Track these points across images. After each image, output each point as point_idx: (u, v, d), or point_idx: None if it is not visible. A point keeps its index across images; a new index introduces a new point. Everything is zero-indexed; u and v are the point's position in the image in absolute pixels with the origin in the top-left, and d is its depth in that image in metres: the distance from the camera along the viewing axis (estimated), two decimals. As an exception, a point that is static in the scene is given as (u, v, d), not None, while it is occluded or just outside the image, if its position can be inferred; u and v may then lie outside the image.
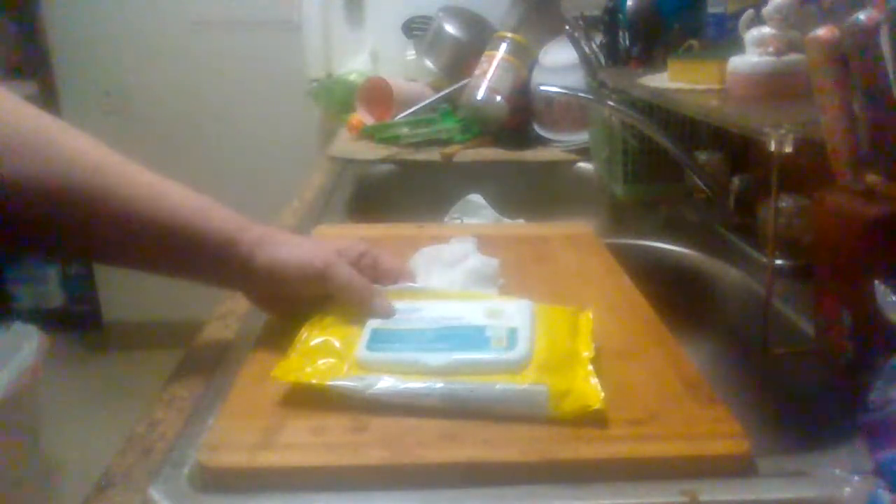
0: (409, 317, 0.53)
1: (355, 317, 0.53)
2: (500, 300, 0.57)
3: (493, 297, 0.59)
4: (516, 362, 0.47)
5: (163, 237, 0.51)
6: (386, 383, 0.46)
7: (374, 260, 0.59)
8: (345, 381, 0.46)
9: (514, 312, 0.52)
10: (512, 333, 0.49)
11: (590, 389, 0.45)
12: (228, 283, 0.56)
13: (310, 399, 0.46)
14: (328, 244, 0.59)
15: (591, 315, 0.54)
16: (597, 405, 0.44)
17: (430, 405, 0.45)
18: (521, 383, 0.45)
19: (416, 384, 0.45)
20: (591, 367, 0.47)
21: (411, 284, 0.59)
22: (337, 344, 0.50)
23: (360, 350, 0.49)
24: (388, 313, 0.54)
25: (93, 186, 0.48)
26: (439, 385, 0.45)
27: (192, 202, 0.52)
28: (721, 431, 0.43)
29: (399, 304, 0.54)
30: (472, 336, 0.49)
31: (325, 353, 0.49)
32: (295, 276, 0.53)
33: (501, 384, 0.45)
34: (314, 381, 0.46)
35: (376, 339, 0.50)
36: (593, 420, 0.43)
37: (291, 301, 0.55)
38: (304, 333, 0.51)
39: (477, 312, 0.52)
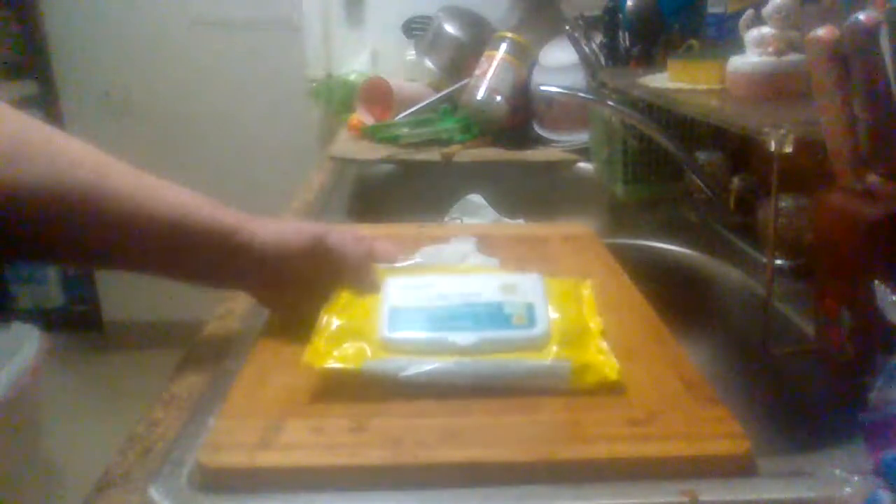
0: (423, 293, 0.53)
1: (367, 291, 0.54)
2: (510, 274, 0.58)
3: (501, 270, 0.60)
4: (538, 338, 0.48)
5: (164, 235, 0.51)
6: (418, 365, 0.46)
7: (370, 246, 0.60)
8: (376, 364, 0.47)
9: (528, 287, 0.54)
10: (530, 310, 0.51)
11: (606, 362, 0.48)
12: (232, 275, 0.56)
13: (310, 399, 0.47)
14: (323, 225, 0.60)
15: (589, 284, 0.57)
16: (614, 377, 0.46)
17: (462, 383, 0.46)
18: (545, 359, 0.47)
19: (447, 364, 0.46)
20: (603, 342, 0.49)
21: (414, 260, 0.60)
22: (358, 324, 0.50)
23: (384, 331, 0.49)
24: (391, 256, 0.57)
25: (93, 187, 0.49)
26: (470, 364, 0.46)
27: (191, 199, 0.53)
28: (721, 431, 0.43)
29: (410, 281, 0.55)
30: (492, 314, 0.50)
31: (348, 335, 0.49)
32: (297, 247, 0.54)
33: (529, 361, 0.47)
34: (349, 367, 0.47)
35: (397, 319, 0.50)
36: (611, 390, 0.46)
37: (295, 287, 0.55)
38: (323, 317, 0.51)
39: (491, 287, 0.53)
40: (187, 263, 0.54)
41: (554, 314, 0.51)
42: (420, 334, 0.49)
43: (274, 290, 0.58)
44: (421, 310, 0.51)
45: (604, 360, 0.48)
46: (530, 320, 0.50)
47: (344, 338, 0.49)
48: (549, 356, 0.47)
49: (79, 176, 0.48)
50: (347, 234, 0.57)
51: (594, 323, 0.52)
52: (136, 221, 0.50)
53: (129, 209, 0.50)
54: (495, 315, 0.50)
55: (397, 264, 0.59)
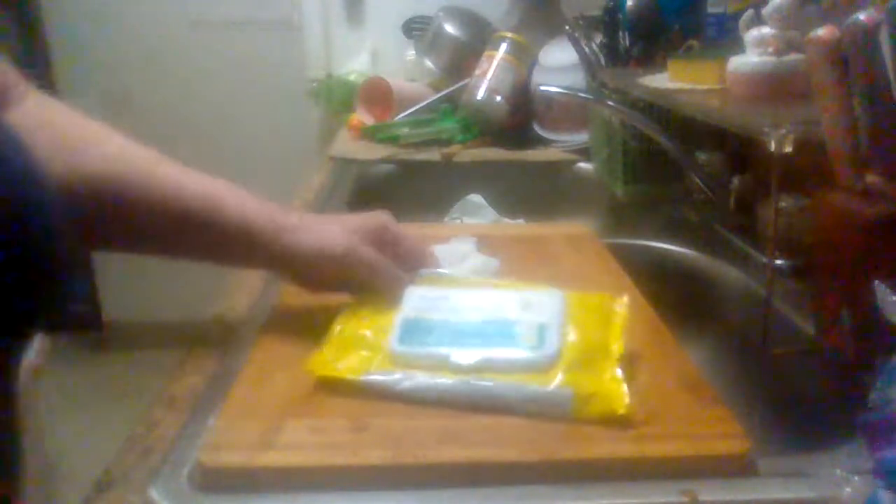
0: (439, 305, 0.53)
1: (386, 303, 0.54)
2: (532, 290, 0.56)
3: (524, 286, 0.58)
4: (544, 361, 0.47)
5: (190, 224, 0.53)
6: (416, 381, 0.46)
7: (395, 237, 0.59)
8: (376, 376, 0.47)
9: (546, 305, 0.52)
10: (541, 330, 0.49)
11: (616, 392, 0.45)
12: (257, 266, 0.59)
13: (310, 399, 0.47)
14: (349, 223, 0.58)
15: (625, 300, 0.53)
16: (621, 410, 0.43)
17: (458, 402, 0.45)
18: (547, 385, 0.45)
19: (445, 381, 0.46)
20: (619, 370, 0.46)
21: (440, 271, 0.59)
22: (369, 336, 0.51)
23: (393, 343, 0.49)
24: (423, 259, 0.59)
25: (142, 177, 0.52)
26: (468, 383, 0.46)
27: (214, 190, 0.55)
28: (721, 431, 0.43)
29: (429, 292, 0.55)
30: (501, 332, 0.49)
31: (358, 345, 0.50)
32: (316, 263, 0.55)
33: (528, 386, 0.45)
34: (349, 377, 0.47)
35: (408, 331, 0.50)
36: (617, 424, 0.43)
37: (323, 280, 0.56)
38: (337, 326, 0.52)
39: (508, 303, 0.52)
40: (209, 252, 0.56)
41: (572, 335, 0.49)
42: (424, 350, 0.49)
43: (300, 279, 0.58)
44: (432, 323, 0.51)
45: (613, 390, 0.45)
46: (539, 341, 0.48)
47: (352, 348, 0.50)
48: (553, 382, 0.45)
49: (117, 167, 0.51)
50: (375, 259, 0.56)
51: (616, 346, 0.49)
52: (175, 214, 0.52)
53: (170, 202, 0.52)
54: (504, 334, 0.49)
55: (431, 272, 0.59)
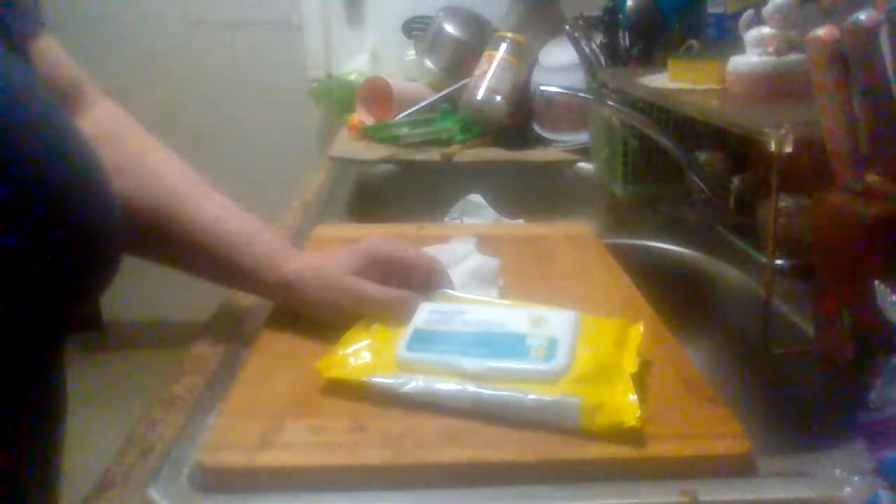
0: (452, 318, 0.53)
1: (399, 322, 0.54)
2: (545, 309, 0.55)
3: (538, 306, 0.57)
4: (552, 373, 0.46)
5: (208, 258, 0.57)
6: (419, 383, 0.46)
7: (401, 260, 0.58)
8: (381, 378, 0.47)
9: (558, 322, 0.52)
10: (552, 344, 0.49)
11: (626, 405, 0.44)
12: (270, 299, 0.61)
13: (310, 399, 0.47)
14: (350, 262, 0.57)
15: (641, 329, 0.52)
16: (631, 422, 0.42)
17: (462, 408, 0.45)
18: (553, 394, 0.44)
19: (448, 386, 0.46)
20: (631, 385, 0.45)
21: (455, 293, 0.59)
22: (379, 345, 0.51)
23: (401, 349, 0.50)
24: (438, 277, 0.59)
25: (170, 204, 0.56)
26: (471, 389, 0.45)
27: (236, 231, 0.57)
28: (721, 431, 0.43)
29: (442, 307, 0.55)
30: (511, 344, 0.49)
31: (367, 351, 0.50)
32: (324, 313, 0.56)
33: (533, 394, 0.44)
34: (354, 378, 0.47)
35: (417, 339, 0.51)
36: (627, 437, 0.42)
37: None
38: (350, 335, 0.52)
39: (520, 319, 0.52)
40: (227, 283, 0.60)
41: (584, 352, 0.49)
42: (431, 356, 0.49)
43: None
44: (443, 333, 0.51)
45: (625, 404, 0.44)
46: (549, 354, 0.47)
47: (360, 353, 0.50)
48: (560, 392, 0.44)
49: (161, 192, 0.56)
50: (384, 299, 0.55)
51: (630, 365, 0.48)
52: (189, 246, 0.56)
53: (180, 230, 0.56)
54: (514, 346, 0.49)
55: (445, 292, 0.59)
